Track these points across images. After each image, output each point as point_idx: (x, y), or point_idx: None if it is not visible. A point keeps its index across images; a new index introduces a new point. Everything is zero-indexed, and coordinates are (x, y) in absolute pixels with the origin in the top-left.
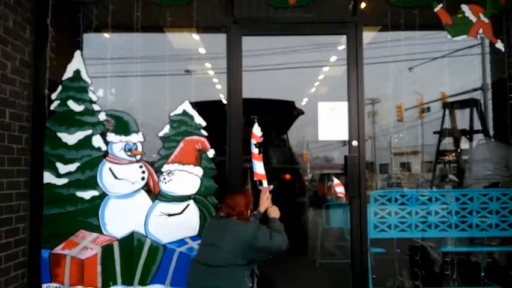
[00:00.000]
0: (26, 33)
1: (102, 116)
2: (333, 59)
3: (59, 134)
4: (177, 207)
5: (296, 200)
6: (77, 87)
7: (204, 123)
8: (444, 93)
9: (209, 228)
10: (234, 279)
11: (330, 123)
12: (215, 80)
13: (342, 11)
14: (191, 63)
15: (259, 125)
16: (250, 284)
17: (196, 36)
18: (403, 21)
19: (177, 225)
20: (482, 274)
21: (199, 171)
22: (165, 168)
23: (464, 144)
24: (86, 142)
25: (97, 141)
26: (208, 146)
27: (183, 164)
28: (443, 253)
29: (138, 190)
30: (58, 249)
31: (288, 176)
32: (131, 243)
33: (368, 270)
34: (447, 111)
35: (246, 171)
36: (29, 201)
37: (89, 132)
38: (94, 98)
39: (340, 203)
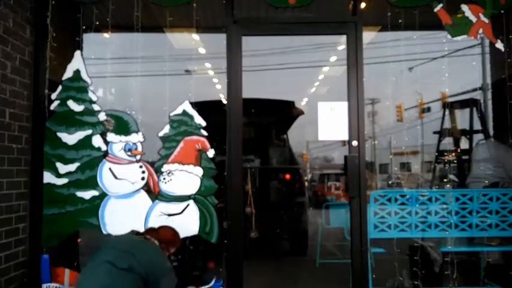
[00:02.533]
0: (26, 33)
1: (102, 116)
2: (333, 59)
3: (59, 134)
4: (177, 207)
5: (296, 200)
6: (77, 87)
7: (203, 123)
8: (444, 93)
9: (125, 236)
10: None
11: (330, 123)
12: (215, 80)
13: (342, 11)
14: (191, 63)
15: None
16: None
17: (196, 36)
18: (403, 21)
19: (177, 225)
20: (482, 274)
21: (199, 171)
22: (165, 168)
23: (464, 144)
24: (86, 142)
25: (97, 141)
26: (208, 146)
27: (183, 164)
28: (443, 253)
29: (138, 190)
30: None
31: (288, 176)
32: None
33: (368, 270)
34: (447, 111)
35: (246, 171)
36: (29, 201)
37: (89, 132)
38: (94, 98)
39: (340, 203)
